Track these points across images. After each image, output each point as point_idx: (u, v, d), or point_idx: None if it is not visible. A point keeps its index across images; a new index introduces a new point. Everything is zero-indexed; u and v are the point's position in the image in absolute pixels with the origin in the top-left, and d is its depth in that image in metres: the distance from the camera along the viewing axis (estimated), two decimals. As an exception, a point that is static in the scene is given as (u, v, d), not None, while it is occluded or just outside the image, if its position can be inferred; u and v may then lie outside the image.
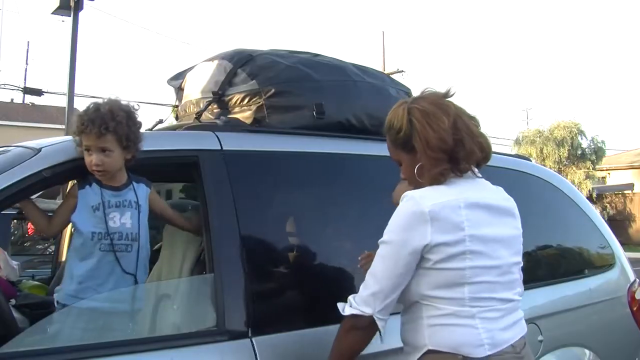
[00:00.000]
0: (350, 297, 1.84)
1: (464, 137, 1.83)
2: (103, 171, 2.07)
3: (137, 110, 2.19)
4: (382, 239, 1.82)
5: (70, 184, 3.22)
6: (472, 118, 1.93)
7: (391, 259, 1.78)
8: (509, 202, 1.96)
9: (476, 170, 1.92)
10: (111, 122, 2.05)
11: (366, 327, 1.81)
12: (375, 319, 1.79)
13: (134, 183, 2.19)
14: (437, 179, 1.83)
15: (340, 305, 1.85)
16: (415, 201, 1.77)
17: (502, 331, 1.82)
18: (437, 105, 1.87)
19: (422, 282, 1.80)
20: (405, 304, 1.88)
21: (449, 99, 1.92)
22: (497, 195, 1.94)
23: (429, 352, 1.80)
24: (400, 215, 1.79)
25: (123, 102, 2.16)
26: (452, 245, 1.75)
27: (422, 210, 1.75)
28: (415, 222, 1.75)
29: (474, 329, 1.77)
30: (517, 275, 1.93)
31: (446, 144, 1.81)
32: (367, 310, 1.78)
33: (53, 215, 2.20)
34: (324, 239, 2.44)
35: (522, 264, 1.96)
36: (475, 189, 1.88)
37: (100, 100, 2.15)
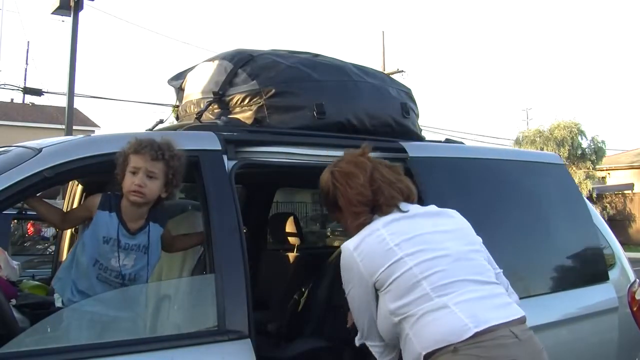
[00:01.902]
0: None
1: (381, 185, 2.05)
2: (141, 194, 2.10)
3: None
4: (345, 290, 2.04)
5: (78, 188, 3.22)
6: (391, 167, 2.15)
7: (353, 299, 2.02)
8: (442, 209, 2.13)
9: (407, 206, 2.07)
10: (167, 151, 2.11)
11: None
12: (368, 345, 2.07)
13: (151, 224, 2.21)
14: (361, 227, 2.03)
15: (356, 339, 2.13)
16: (344, 250, 2.01)
17: (485, 310, 1.84)
18: (354, 164, 2.10)
19: (385, 302, 1.93)
20: (391, 331, 1.96)
21: (365, 156, 2.15)
22: (427, 208, 2.12)
23: (425, 357, 1.83)
24: (341, 267, 2.02)
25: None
26: (383, 262, 1.91)
27: (351, 254, 1.97)
28: (349, 267, 1.98)
29: (452, 315, 1.82)
30: (480, 261, 2.00)
31: (365, 197, 2.04)
32: (360, 341, 2.09)
33: (67, 213, 2.27)
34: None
35: (483, 252, 2.06)
36: (394, 214, 2.03)
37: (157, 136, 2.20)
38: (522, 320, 1.92)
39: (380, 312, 1.97)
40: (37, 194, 2.21)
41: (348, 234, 2.10)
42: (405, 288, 1.88)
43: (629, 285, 3.15)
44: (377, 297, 1.97)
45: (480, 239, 2.09)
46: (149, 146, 2.10)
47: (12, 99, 31.62)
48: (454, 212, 2.13)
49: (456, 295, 1.84)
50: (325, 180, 2.14)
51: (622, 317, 3.03)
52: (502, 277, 2.09)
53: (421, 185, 2.52)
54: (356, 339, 2.11)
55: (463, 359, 1.77)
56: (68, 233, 3.39)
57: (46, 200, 2.31)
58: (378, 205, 2.04)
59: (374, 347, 2.05)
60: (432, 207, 2.14)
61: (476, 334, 1.77)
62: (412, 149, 2.66)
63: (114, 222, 2.14)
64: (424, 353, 1.83)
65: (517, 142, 26.46)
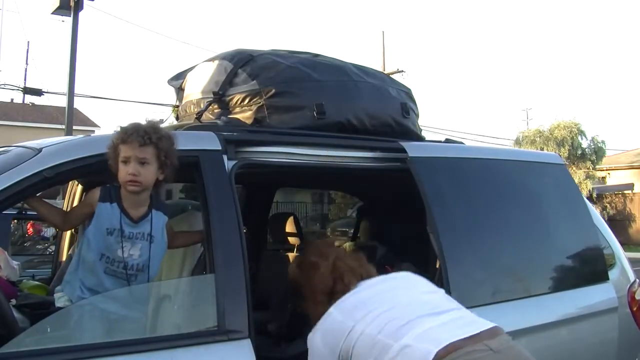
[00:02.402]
0: None
1: (343, 273, 2.12)
2: (137, 182, 2.09)
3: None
4: None
5: (78, 188, 3.22)
6: (354, 255, 2.25)
7: None
8: (393, 274, 2.19)
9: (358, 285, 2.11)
10: (154, 134, 2.10)
11: None
12: None
13: (153, 211, 2.20)
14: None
15: None
16: (309, 340, 2.03)
17: (448, 331, 1.83)
18: (320, 254, 2.19)
19: None
20: None
21: (331, 244, 2.30)
22: (377, 278, 2.15)
23: None
24: (309, 356, 2.04)
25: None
26: (343, 337, 1.93)
27: (314, 341, 2.00)
28: (317, 351, 1.99)
29: (415, 348, 1.80)
30: (435, 298, 2.05)
31: (327, 286, 2.11)
32: None
33: (68, 213, 2.25)
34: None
35: (439, 293, 2.12)
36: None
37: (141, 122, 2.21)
38: (494, 332, 1.88)
39: None
40: (37, 194, 2.21)
41: (313, 324, 2.09)
42: (367, 350, 1.87)
43: (629, 285, 3.15)
44: None
45: (427, 285, 2.13)
46: (134, 133, 2.09)
47: (12, 99, 31.65)
48: (405, 273, 2.19)
49: (415, 331, 1.84)
50: (292, 272, 2.25)
51: (622, 317, 3.03)
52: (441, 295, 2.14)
53: (421, 186, 2.52)
54: None
55: None
56: (68, 233, 3.39)
57: (46, 200, 2.31)
58: (335, 292, 2.08)
59: None
60: (382, 276, 2.17)
61: (438, 354, 1.76)
62: (412, 149, 2.66)
63: (116, 213, 2.13)
64: None
65: (517, 142, 26.45)
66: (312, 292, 2.14)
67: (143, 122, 2.16)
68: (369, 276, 2.16)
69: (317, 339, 2.00)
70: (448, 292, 2.26)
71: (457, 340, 1.79)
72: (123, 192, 2.14)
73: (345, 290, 2.08)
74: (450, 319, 1.92)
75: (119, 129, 2.12)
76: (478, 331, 1.86)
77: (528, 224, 2.93)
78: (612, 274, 3.17)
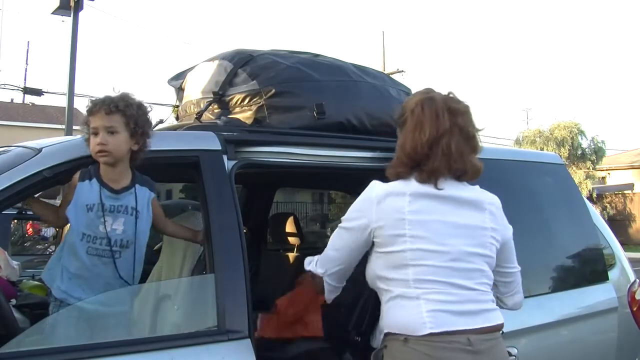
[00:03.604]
0: (315, 257, 2.09)
1: (437, 154, 1.95)
2: (107, 152, 2.04)
3: (149, 110, 2.19)
4: (342, 218, 2.03)
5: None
6: (470, 139, 2.01)
7: (345, 233, 2.01)
8: (477, 196, 2.01)
9: (446, 184, 1.97)
10: (121, 102, 2.08)
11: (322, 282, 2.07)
12: (325, 279, 2.05)
13: (137, 186, 2.15)
14: (392, 177, 2.01)
15: (307, 259, 2.11)
16: (370, 188, 1.99)
17: (452, 314, 1.85)
18: (436, 116, 1.97)
19: (377, 263, 1.96)
20: (373, 285, 2.01)
21: (454, 113, 1.99)
22: (463, 191, 1.99)
23: (386, 335, 1.93)
24: (358, 199, 2.01)
25: (136, 97, 2.17)
26: (390, 227, 1.91)
27: (370, 196, 1.96)
28: (366, 205, 1.96)
29: (417, 308, 1.85)
30: (480, 266, 1.94)
31: (417, 154, 1.96)
32: (320, 271, 2.05)
33: (59, 206, 2.19)
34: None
35: (508, 267, 2.07)
36: (431, 186, 1.96)
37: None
38: (487, 330, 1.88)
39: (370, 265, 2.00)
40: (37, 194, 2.21)
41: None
42: (394, 265, 1.91)
43: (629, 285, 3.15)
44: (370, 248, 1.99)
45: (486, 239, 1.98)
46: (100, 103, 2.07)
47: (12, 99, 31.71)
48: (489, 204, 2.01)
49: (431, 292, 1.86)
50: (408, 106, 2.05)
51: (621, 317, 3.03)
52: (514, 276, 2.11)
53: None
54: (308, 263, 2.09)
55: (410, 352, 1.83)
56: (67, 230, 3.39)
57: (46, 200, 2.31)
58: (421, 169, 1.96)
59: (329, 285, 2.06)
60: (471, 192, 2.01)
61: (431, 334, 1.81)
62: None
63: (95, 188, 2.07)
64: (384, 331, 1.93)
65: (517, 142, 26.46)
66: (402, 146, 2.00)
67: (113, 93, 2.12)
68: (463, 172, 1.98)
69: (376, 200, 1.93)
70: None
71: (452, 329, 1.82)
72: (102, 167, 2.09)
73: (430, 175, 1.94)
74: (465, 299, 1.88)
75: (88, 103, 2.09)
76: (476, 326, 1.86)
77: (527, 224, 2.93)
78: (612, 274, 3.17)
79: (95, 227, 2.07)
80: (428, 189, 1.95)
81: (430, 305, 1.84)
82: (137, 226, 2.12)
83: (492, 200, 2.04)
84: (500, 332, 1.95)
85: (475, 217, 1.98)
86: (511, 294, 2.14)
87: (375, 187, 1.97)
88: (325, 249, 2.06)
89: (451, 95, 2.05)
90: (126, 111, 2.07)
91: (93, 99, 2.11)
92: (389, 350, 1.90)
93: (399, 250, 1.89)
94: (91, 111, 2.06)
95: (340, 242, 2.03)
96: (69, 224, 2.16)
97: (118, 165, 2.10)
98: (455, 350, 1.81)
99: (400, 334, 1.86)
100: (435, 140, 1.95)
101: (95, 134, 2.04)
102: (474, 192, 2.02)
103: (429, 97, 2.03)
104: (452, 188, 1.98)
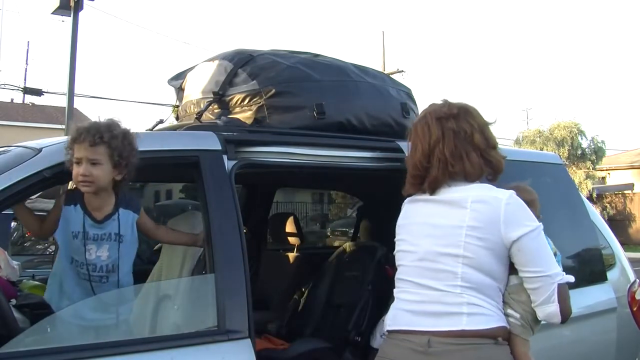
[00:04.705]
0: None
1: (433, 165, 1.98)
2: (89, 182, 2.03)
3: (136, 138, 2.13)
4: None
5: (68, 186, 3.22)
6: (466, 139, 2.00)
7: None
8: (469, 194, 1.92)
9: (445, 190, 1.98)
10: (106, 133, 2.04)
11: None
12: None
13: (120, 210, 2.15)
14: (405, 195, 2.12)
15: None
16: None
17: (412, 314, 1.91)
18: (427, 127, 2.02)
19: None
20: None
21: (441, 120, 2.00)
22: (455, 193, 1.96)
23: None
24: None
25: (123, 124, 2.13)
26: (395, 236, 2.08)
27: None
28: None
29: (392, 307, 2.02)
30: (450, 267, 1.87)
31: (418, 170, 2.02)
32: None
33: (45, 219, 2.20)
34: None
35: (526, 272, 1.89)
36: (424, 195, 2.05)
37: (100, 119, 2.14)
38: (454, 334, 1.83)
39: None
40: (37, 194, 2.21)
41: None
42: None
43: (628, 285, 3.15)
44: None
45: (462, 238, 1.88)
46: (85, 133, 2.03)
47: (12, 99, 31.67)
48: (475, 202, 1.90)
49: (401, 291, 2.00)
50: (412, 126, 2.15)
51: (621, 318, 3.03)
52: (541, 282, 1.88)
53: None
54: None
55: (385, 345, 2.00)
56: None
57: (46, 200, 2.31)
58: (423, 182, 2.02)
59: None
60: (460, 192, 1.94)
61: (391, 332, 1.97)
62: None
63: (79, 215, 2.09)
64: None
65: (517, 142, 26.44)
66: (410, 165, 2.07)
67: (100, 121, 2.10)
68: (467, 172, 1.98)
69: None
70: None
71: (408, 329, 1.91)
72: (85, 195, 2.10)
73: (431, 187, 1.99)
74: (429, 300, 1.89)
75: (73, 129, 2.06)
76: (435, 329, 1.85)
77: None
78: (612, 274, 3.17)
79: (82, 254, 2.09)
80: (421, 194, 2.04)
81: (397, 303, 1.99)
82: (120, 250, 2.13)
83: (483, 197, 1.90)
84: (482, 338, 1.83)
85: (451, 217, 1.91)
86: (540, 304, 1.89)
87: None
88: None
89: (442, 102, 2.07)
90: (111, 143, 2.04)
91: (78, 125, 2.08)
92: None
93: (396, 250, 2.07)
94: (76, 140, 2.02)
95: None
96: (51, 235, 2.18)
97: (100, 193, 2.11)
98: (404, 348, 1.88)
99: (387, 329, 2.03)
100: (430, 152, 1.99)
101: (78, 163, 2.02)
102: (466, 191, 1.93)
103: (422, 115, 2.10)
104: (448, 191, 1.97)
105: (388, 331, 2.00)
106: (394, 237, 2.10)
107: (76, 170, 2.02)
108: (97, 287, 2.11)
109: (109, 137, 2.04)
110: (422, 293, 1.91)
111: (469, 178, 1.99)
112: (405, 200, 2.10)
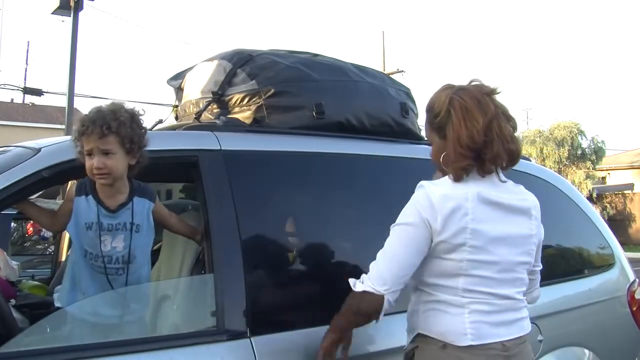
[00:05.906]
0: (364, 275, 1.87)
1: (494, 139, 1.87)
2: (105, 174, 1.99)
3: (142, 115, 2.10)
4: (396, 223, 1.88)
5: (70, 183, 3.22)
6: (510, 120, 1.95)
7: (404, 239, 1.86)
8: (526, 202, 1.98)
9: (501, 173, 1.95)
10: (113, 122, 1.99)
11: (376, 301, 1.84)
12: (386, 298, 1.83)
13: (135, 199, 2.11)
14: (459, 173, 1.89)
15: (351, 281, 1.90)
16: (425, 190, 1.87)
17: (491, 326, 1.86)
18: (478, 102, 1.90)
19: (424, 269, 1.89)
20: (410, 289, 1.98)
21: (491, 97, 1.93)
22: (514, 195, 1.96)
23: (419, 335, 1.92)
24: (413, 202, 1.88)
25: (126, 105, 2.10)
26: (453, 236, 1.83)
27: (430, 199, 1.84)
28: (425, 209, 1.84)
29: (461, 317, 1.85)
30: (522, 274, 1.96)
31: (476, 143, 1.87)
32: (381, 289, 1.83)
33: (56, 212, 2.17)
34: (324, 239, 2.44)
35: (535, 266, 2.07)
36: (490, 187, 1.92)
37: (102, 104, 2.10)
38: (523, 337, 1.95)
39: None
40: (37, 194, 2.20)
41: (434, 163, 2.00)
42: (446, 273, 1.87)
43: (628, 285, 3.15)
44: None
45: (534, 247, 2.00)
46: (91, 124, 1.97)
47: (12, 99, 31.72)
48: (533, 209, 1.99)
49: (476, 302, 1.86)
50: (441, 102, 1.94)
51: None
52: (539, 274, 2.14)
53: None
54: (358, 283, 1.86)
55: (447, 358, 1.85)
56: (67, 234, 3.39)
57: (46, 200, 2.31)
58: (482, 158, 1.88)
59: (387, 303, 1.84)
60: (519, 196, 1.97)
61: (470, 346, 1.84)
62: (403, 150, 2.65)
63: (92, 205, 2.04)
64: (417, 332, 1.93)
65: (517, 142, 26.41)
66: (457, 141, 1.88)
67: (103, 108, 2.03)
68: (516, 155, 1.93)
69: (435, 202, 1.82)
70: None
71: (491, 342, 1.85)
72: (98, 184, 2.05)
73: (493, 162, 1.88)
74: (506, 308, 1.90)
75: (78, 121, 2.01)
76: (513, 337, 1.90)
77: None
78: (612, 273, 3.17)
79: (96, 246, 2.05)
80: (485, 193, 1.88)
81: (474, 316, 1.85)
82: (136, 240, 2.09)
83: (536, 204, 2.02)
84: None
85: (524, 225, 1.96)
86: (531, 291, 2.14)
87: (433, 190, 1.86)
88: (377, 263, 1.86)
89: (478, 82, 1.99)
90: (120, 131, 1.99)
91: (82, 117, 2.03)
92: (423, 352, 1.91)
93: (456, 259, 1.84)
94: (83, 133, 1.98)
95: (400, 250, 1.85)
96: (63, 229, 2.15)
97: (117, 182, 2.07)
98: (492, 356, 1.85)
99: (438, 339, 1.87)
100: (488, 125, 1.87)
101: (90, 155, 1.98)
102: (521, 195, 1.99)
103: (460, 88, 1.96)
104: (504, 191, 1.94)
105: (469, 346, 1.83)
106: None
107: (89, 163, 1.98)
108: (113, 280, 2.07)
109: (116, 125, 1.99)
110: (498, 303, 1.88)
111: (510, 163, 1.95)
112: (469, 198, 1.85)
